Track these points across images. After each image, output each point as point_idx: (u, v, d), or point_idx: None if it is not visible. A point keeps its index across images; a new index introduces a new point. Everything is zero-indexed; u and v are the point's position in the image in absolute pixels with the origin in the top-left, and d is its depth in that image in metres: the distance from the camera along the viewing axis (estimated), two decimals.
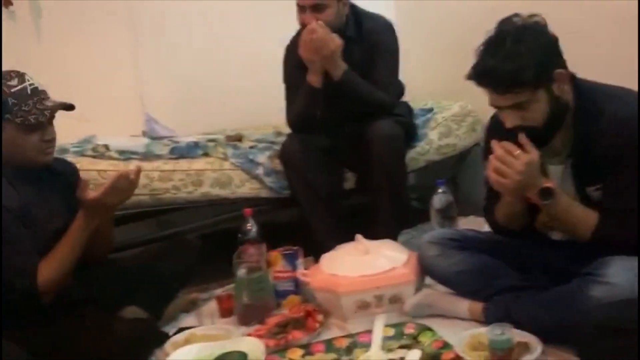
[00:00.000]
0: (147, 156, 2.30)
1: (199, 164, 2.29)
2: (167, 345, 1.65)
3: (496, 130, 1.52)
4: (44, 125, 1.57)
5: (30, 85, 1.56)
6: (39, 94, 1.57)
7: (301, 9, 2.16)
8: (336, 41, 2.09)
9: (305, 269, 1.92)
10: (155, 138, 2.60)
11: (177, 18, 2.97)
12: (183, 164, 2.28)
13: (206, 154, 2.34)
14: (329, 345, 1.56)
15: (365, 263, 1.76)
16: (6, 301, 1.49)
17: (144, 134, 2.70)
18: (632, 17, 1.91)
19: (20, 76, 1.57)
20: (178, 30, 3.01)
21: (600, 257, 1.39)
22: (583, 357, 1.25)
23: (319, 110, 2.20)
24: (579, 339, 1.23)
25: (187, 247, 1.99)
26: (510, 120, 1.43)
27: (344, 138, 2.29)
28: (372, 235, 1.90)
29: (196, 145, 2.37)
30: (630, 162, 1.38)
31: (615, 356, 1.12)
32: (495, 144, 1.43)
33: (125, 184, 1.63)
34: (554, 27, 1.45)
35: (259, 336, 1.62)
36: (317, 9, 2.13)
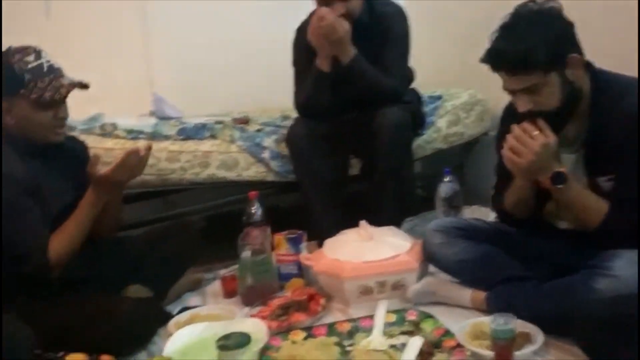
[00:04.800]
0: (155, 136, 2.31)
1: (206, 145, 2.29)
2: (171, 324, 1.67)
3: (511, 118, 1.52)
4: (58, 103, 1.57)
5: (47, 62, 1.56)
6: (55, 72, 1.57)
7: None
8: (344, 26, 2.07)
9: (309, 252, 1.93)
10: (163, 118, 2.61)
11: (184, 4, 2.95)
12: (190, 145, 2.29)
13: (213, 136, 2.34)
14: (331, 328, 1.57)
15: (368, 249, 1.77)
16: (13, 273, 1.50)
17: (152, 114, 2.70)
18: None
19: (37, 52, 1.56)
20: (188, 12, 3.00)
21: (606, 250, 1.39)
22: (585, 350, 1.25)
23: (326, 95, 2.19)
24: (581, 331, 1.24)
25: (191, 228, 2.00)
26: (522, 104, 1.43)
27: (351, 124, 2.28)
28: (375, 221, 1.90)
29: (203, 126, 2.37)
30: None
31: (616, 349, 1.12)
32: (514, 125, 1.43)
33: (135, 160, 1.64)
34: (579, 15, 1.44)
35: (262, 317, 1.63)
36: None
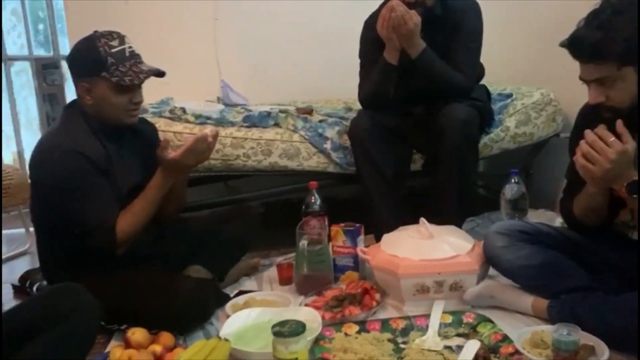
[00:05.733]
0: (221, 122, 2.35)
1: (270, 134, 2.32)
2: (228, 306, 1.71)
3: (587, 118, 1.45)
4: (135, 87, 1.63)
5: (129, 48, 1.62)
6: (135, 58, 1.63)
7: None
8: (415, 19, 2.03)
9: (366, 246, 1.92)
10: (229, 105, 2.65)
11: None
12: (254, 132, 2.32)
13: (277, 125, 2.36)
14: (385, 324, 1.56)
15: (427, 247, 1.74)
16: (83, 247, 1.58)
17: (219, 100, 2.76)
18: None
19: (121, 38, 1.63)
20: (256, 1, 3.04)
21: None
22: None
23: (392, 88, 2.16)
24: None
25: (251, 214, 2.03)
26: (593, 95, 1.38)
27: (416, 118, 2.24)
28: (435, 219, 1.86)
29: (268, 115, 2.39)
30: None
31: None
32: (587, 131, 1.36)
33: (203, 146, 1.68)
34: None
35: (316, 307, 1.64)
36: None
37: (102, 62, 1.58)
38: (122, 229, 1.59)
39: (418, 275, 1.67)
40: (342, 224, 1.95)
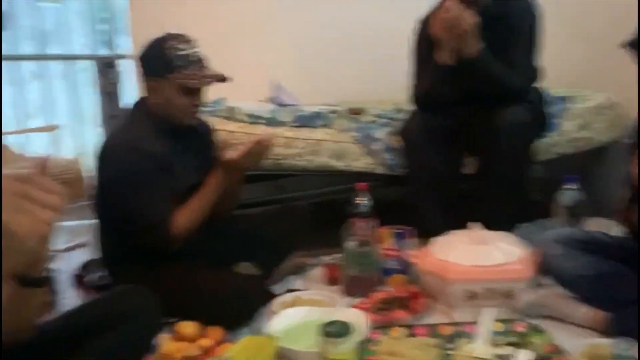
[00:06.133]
0: (272, 122, 2.38)
1: (319, 133, 2.32)
2: (275, 303, 1.73)
3: None
4: (198, 90, 1.67)
5: (196, 52, 1.67)
6: (201, 62, 1.67)
7: None
8: (470, 20, 1.98)
9: (414, 250, 1.90)
10: (280, 105, 2.68)
11: None
12: (304, 132, 2.33)
13: (327, 125, 2.37)
14: (433, 330, 1.54)
15: (478, 253, 1.70)
16: (140, 241, 1.63)
17: (270, 100, 2.79)
18: None
19: (190, 42, 1.68)
20: (307, 2, 3.06)
21: None
22: None
23: (445, 89, 2.13)
24: None
25: (299, 213, 2.05)
26: None
27: (469, 120, 2.19)
28: (487, 225, 1.82)
29: (318, 115, 2.40)
30: None
31: None
32: None
33: (259, 149, 1.72)
34: None
35: (363, 309, 1.64)
36: None
37: (169, 64, 1.63)
38: (178, 225, 1.63)
39: (468, 281, 1.63)
40: (391, 227, 1.93)
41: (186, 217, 1.65)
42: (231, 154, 1.69)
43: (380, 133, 2.31)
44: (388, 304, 1.69)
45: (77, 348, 0.96)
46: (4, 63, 3.59)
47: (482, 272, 1.64)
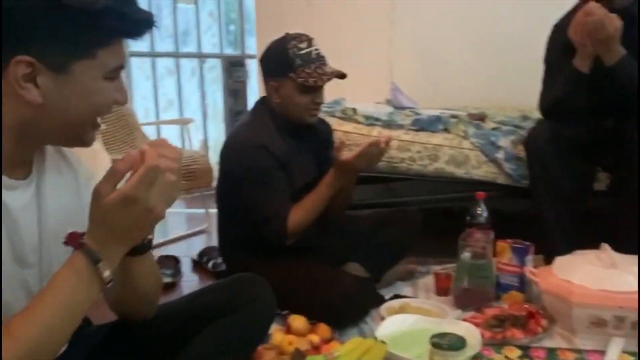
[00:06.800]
0: (390, 124, 2.36)
1: (438, 138, 2.27)
2: (383, 308, 1.71)
3: None
4: (318, 88, 1.71)
5: (315, 50, 1.71)
6: (321, 60, 1.71)
7: None
8: (615, 24, 1.82)
9: (535, 267, 1.79)
10: (398, 108, 2.65)
11: None
12: (422, 136, 2.29)
13: (446, 130, 2.30)
14: (552, 354, 1.44)
15: (608, 277, 1.56)
16: (257, 234, 1.69)
17: (388, 102, 2.77)
18: None
19: (309, 41, 1.72)
20: (432, 5, 3.00)
21: None
22: None
23: (580, 99, 1.97)
24: None
25: (412, 219, 2.01)
26: None
27: (604, 133, 2.02)
28: (618, 247, 1.67)
29: (438, 119, 2.34)
30: None
31: None
32: None
33: (375, 151, 1.71)
34: None
35: (475, 324, 1.57)
36: None
37: (290, 63, 1.67)
38: (293, 221, 1.68)
39: (595, 307, 1.50)
40: (510, 240, 1.84)
41: (301, 214, 1.69)
42: (346, 155, 1.70)
43: (504, 141, 2.21)
44: (502, 322, 1.61)
45: (195, 331, 1.01)
46: (145, 59, 3.92)
47: (611, 297, 1.50)
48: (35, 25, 0.76)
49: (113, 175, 0.76)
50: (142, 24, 0.83)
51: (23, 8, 0.76)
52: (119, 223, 0.76)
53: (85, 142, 0.86)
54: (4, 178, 0.80)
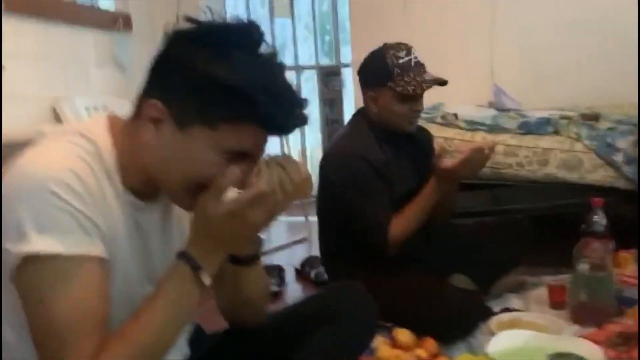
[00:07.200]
0: (494, 129, 2.27)
1: (547, 142, 2.14)
2: (492, 322, 1.64)
3: None
4: (418, 96, 1.69)
5: (414, 58, 1.69)
6: (420, 67, 1.69)
7: None
8: None
9: None
10: (501, 110, 2.54)
11: None
12: (530, 140, 2.17)
13: (556, 132, 2.17)
14: None
15: None
16: (359, 243, 1.69)
17: (491, 104, 2.67)
18: None
19: (408, 49, 1.70)
20: (535, 2, 2.85)
21: None
22: None
23: None
24: None
25: (522, 227, 1.91)
26: None
27: None
28: None
29: (547, 121, 2.21)
30: None
31: None
32: None
33: (479, 157, 1.65)
34: None
35: (596, 342, 1.45)
36: None
37: (389, 73, 1.66)
38: (395, 231, 1.65)
39: None
40: (633, 250, 1.69)
41: (403, 224, 1.66)
42: (448, 163, 1.65)
43: (623, 142, 2.04)
44: (628, 339, 1.47)
45: (299, 340, 1.02)
46: None
47: None
48: (175, 79, 0.79)
49: (218, 190, 0.78)
50: (276, 121, 0.80)
51: (175, 57, 0.80)
52: (221, 235, 0.79)
53: (180, 205, 0.87)
54: (137, 200, 0.85)
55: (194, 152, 0.79)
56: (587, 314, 1.65)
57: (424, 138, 1.88)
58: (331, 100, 4.07)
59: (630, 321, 1.59)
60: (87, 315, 0.75)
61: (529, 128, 2.20)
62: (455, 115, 2.37)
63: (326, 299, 1.12)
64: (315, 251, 2.07)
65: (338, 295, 1.12)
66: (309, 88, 4.18)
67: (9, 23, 2.21)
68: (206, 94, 0.78)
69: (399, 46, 1.70)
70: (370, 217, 1.65)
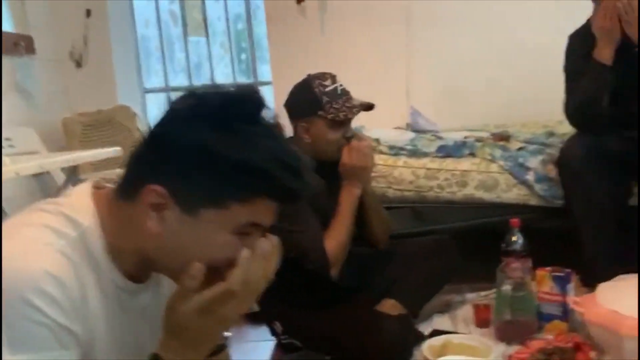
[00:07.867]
0: (415, 153, 2.33)
1: (465, 164, 2.23)
2: (424, 347, 1.66)
3: None
4: (347, 122, 1.71)
5: (340, 86, 1.73)
6: (346, 94, 1.72)
7: None
8: None
9: (577, 295, 1.74)
10: (418, 131, 2.62)
11: (449, 15, 2.94)
12: (449, 162, 2.25)
13: (472, 154, 2.27)
14: None
15: None
16: (300, 272, 1.65)
17: (408, 126, 2.74)
18: None
19: (332, 77, 1.74)
20: (448, 25, 2.98)
21: None
22: None
23: (605, 95, 1.92)
24: None
25: (449, 248, 1.96)
26: None
27: (635, 142, 1.95)
28: None
29: (464, 144, 2.31)
30: None
31: None
32: None
33: (361, 145, 1.70)
34: None
35: (522, 359, 1.52)
36: None
37: (318, 102, 1.68)
38: (330, 246, 1.66)
39: None
40: (549, 268, 1.79)
41: (334, 239, 1.67)
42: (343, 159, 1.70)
43: (533, 161, 2.16)
44: (549, 355, 1.56)
45: None
46: (159, 94, 3.95)
47: None
48: (177, 160, 0.73)
49: (186, 289, 0.74)
50: (292, 192, 0.76)
51: (170, 139, 0.73)
52: (193, 333, 0.75)
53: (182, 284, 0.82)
54: (127, 282, 0.80)
55: (206, 238, 0.74)
56: (511, 332, 1.72)
57: None
58: None
59: (549, 335, 1.68)
60: None
61: (447, 151, 2.29)
62: (378, 141, 2.41)
63: None
64: None
65: None
66: None
67: None
68: (215, 173, 0.72)
69: (323, 75, 1.72)
70: (304, 239, 1.64)
